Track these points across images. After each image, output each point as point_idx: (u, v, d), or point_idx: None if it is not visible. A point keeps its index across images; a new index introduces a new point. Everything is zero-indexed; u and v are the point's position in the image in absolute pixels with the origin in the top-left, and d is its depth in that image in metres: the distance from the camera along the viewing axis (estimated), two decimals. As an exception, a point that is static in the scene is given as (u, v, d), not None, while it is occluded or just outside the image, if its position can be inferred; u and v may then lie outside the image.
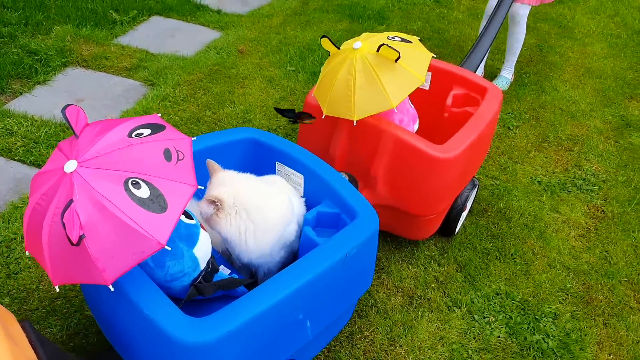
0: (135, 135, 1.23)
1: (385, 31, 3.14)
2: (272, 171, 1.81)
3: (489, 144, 2.31)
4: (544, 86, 3.70)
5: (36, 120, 2.66)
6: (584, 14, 5.00)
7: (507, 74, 3.71)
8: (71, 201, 1.10)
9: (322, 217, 1.63)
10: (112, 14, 3.73)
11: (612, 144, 3.18)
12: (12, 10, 3.48)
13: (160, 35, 3.67)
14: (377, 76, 1.76)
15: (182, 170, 1.21)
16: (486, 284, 2.15)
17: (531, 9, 3.39)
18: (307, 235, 1.58)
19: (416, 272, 2.17)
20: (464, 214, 2.32)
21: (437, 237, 2.32)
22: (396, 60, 1.75)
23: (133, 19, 3.77)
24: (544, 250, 2.36)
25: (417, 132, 2.10)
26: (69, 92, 2.96)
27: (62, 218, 1.10)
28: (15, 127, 2.59)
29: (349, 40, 1.91)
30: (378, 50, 1.76)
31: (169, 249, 1.18)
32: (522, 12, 3.41)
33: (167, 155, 1.21)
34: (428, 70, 2.04)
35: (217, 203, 1.51)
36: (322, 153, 1.90)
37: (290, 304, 1.33)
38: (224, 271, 1.57)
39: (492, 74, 3.75)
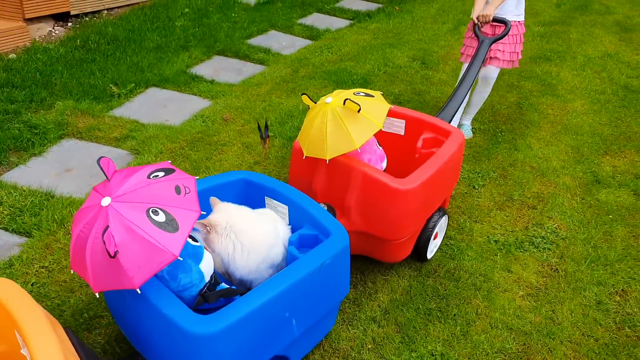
0: (152, 177, 1.62)
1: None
2: (263, 205, 2.22)
3: (455, 177, 2.66)
4: (517, 144, 3.79)
5: (24, 190, 2.93)
6: (570, 71, 5.12)
7: (467, 122, 3.93)
8: (107, 227, 1.48)
9: (304, 238, 2.02)
10: (111, 87, 4.08)
11: (578, 201, 3.23)
12: (20, 89, 3.86)
13: (154, 106, 3.98)
14: (344, 124, 2.18)
15: (189, 201, 1.61)
16: (422, 345, 2.21)
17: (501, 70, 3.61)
18: (290, 253, 1.96)
19: (355, 333, 2.25)
20: (436, 240, 2.66)
21: (380, 298, 2.41)
22: (358, 111, 2.16)
23: (130, 92, 4.11)
24: (488, 310, 2.41)
25: (391, 170, 2.45)
26: (60, 163, 3.24)
27: (102, 237, 1.47)
28: (5, 197, 2.86)
29: (323, 97, 2.32)
30: (344, 104, 2.17)
31: (181, 259, 1.58)
32: (493, 75, 3.64)
33: (177, 190, 1.62)
34: (402, 119, 2.71)
35: (207, 227, 1.90)
36: (307, 188, 2.38)
37: (277, 304, 1.68)
38: (225, 286, 1.89)
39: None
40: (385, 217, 2.23)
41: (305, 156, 2.29)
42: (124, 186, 1.57)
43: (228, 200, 2.04)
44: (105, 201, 1.53)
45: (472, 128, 3.98)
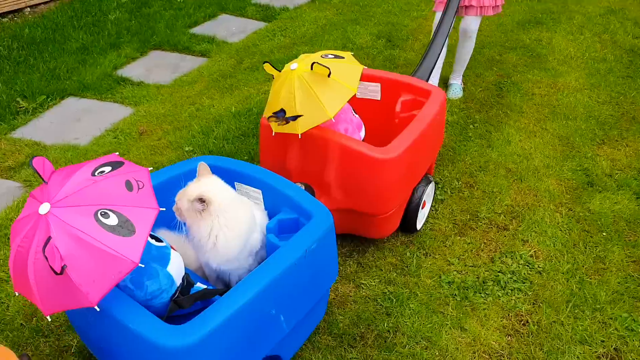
0: (98, 174, 1.40)
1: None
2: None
3: (439, 139, 2.48)
4: (492, 139, 3.12)
5: None
6: (565, 35, 4.35)
7: (457, 81, 3.58)
8: (49, 238, 1.27)
9: (283, 223, 1.81)
10: (18, 102, 3.51)
11: (563, 214, 2.57)
12: None
13: (66, 121, 3.41)
14: (314, 92, 1.96)
15: (144, 197, 1.40)
16: None
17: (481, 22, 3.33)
18: (270, 241, 1.77)
19: None
20: (424, 210, 2.46)
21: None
22: (329, 76, 1.94)
23: (41, 105, 3.53)
24: (427, 395, 1.82)
25: (371, 139, 2.28)
26: None
27: (44, 252, 1.28)
28: None
29: (287, 63, 2.07)
30: (311, 69, 1.94)
31: (143, 266, 1.35)
32: (473, 27, 3.30)
33: (129, 186, 1.40)
34: (377, 82, 2.50)
35: (204, 202, 1.66)
36: (280, 168, 2.17)
37: (260, 302, 1.48)
38: (202, 286, 1.70)
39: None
40: (368, 191, 2.07)
41: (275, 133, 2.06)
42: (64, 188, 1.35)
43: None
44: (44, 208, 1.32)
45: (463, 86, 3.59)
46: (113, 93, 3.68)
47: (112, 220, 1.33)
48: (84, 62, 4.03)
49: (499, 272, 2.26)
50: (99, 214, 1.32)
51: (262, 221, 1.87)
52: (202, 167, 1.78)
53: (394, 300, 2.14)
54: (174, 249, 1.63)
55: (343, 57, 2.11)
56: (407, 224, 2.36)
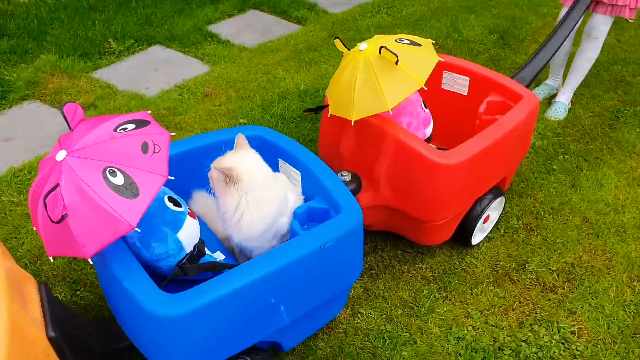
0: (120, 130, 1.39)
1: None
2: (276, 166, 1.90)
3: (521, 151, 2.24)
4: (579, 177, 2.62)
5: None
6: None
7: (564, 99, 3.02)
8: (57, 185, 1.29)
9: (313, 212, 1.73)
10: (109, 42, 3.63)
11: (636, 291, 2.08)
12: (9, 38, 3.58)
13: (144, 69, 3.46)
14: (376, 78, 1.82)
15: (156, 162, 1.36)
16: None
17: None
18: (292, 227, 1.70)
19: None
20: (486, 225, 2.24)
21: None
22: (396, 63, 1.78)
23: (127, 49, 3.62)
24: None
25: (444, 136, 2.24)
26: (5, 129, 2.90)
27: (44, 199, 1.30)
28: None
29: (360, 42, 1.95)
30: (380, 52, 1.80)
31: (139, 230, 1.32)
32: (602, 28, 2.77)
33: (145, 148, 1.37)
34: (467, 75, 2.28)
35: (229, 177, 1.61)
36: (334, 152, 2.10)
37: (259, 288, 1.42)
38: (219, 256, 1.71)
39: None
40: (421, 195, 1.91)
41: (330, 115, 1.96)
42: (84, 139, 1.35)
43: None
44: (61, 155, 1.33)
45: (570, 106, 3.05)
46: (197, 48, 3.67)
47: (119, 179, 1.31)
48: (180, 12, 4.05)
49: (523, 341, 1.88)
50: (107, 171, 1.31)
51: (294, 205, 1.77)
52: (241, 139, 1.70)
53: (388, 341, 1.87)
54: (192, 216, 1.61)
55: (419, 45, 1.92)
56: (462, 236, 2.16)
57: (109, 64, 3.48)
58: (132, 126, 1.43)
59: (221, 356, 1.47)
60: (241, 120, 2.95)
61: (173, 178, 1.41)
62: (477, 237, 2.22)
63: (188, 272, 1.57)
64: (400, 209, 1.99)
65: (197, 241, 1.62)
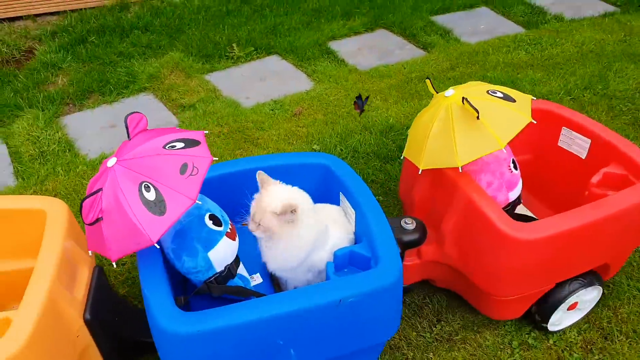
0: (168, 147, 1.46)
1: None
2: (329, 198, 1.88)
3: (632, 239, 1.90)
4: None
5: (59, 137, 2.99)
6: None
7: None
8: (100, 190, 1.39)
9: (355, 257, 1.65)
10: (233, 47, 3.80)
11: None
12: (150, 33, 3.93)
13: (253, 78, 3.55)
14: (453, 129, 1.69)
15: (190, 184, 1.40)
16: None
17: None
18: (326, 269, 1.65)
19: None
20: (571, 313, 1.95)
21: None
22: (477, 118, 1.65)
23: (246, 56, 3.76)
24: None
25: (541, 198, 2.15)
26: (114, 117, 3.20)
27: (82, 202, 1.41)
28: (40, 139, 2.97)
29: (449, 88, 1.85)
30: (463, 103, 1.69)
31: (158, 247, 1.41)
32: None
33: (183, 169, 1.41)
34: (588, 137, 2.02)
35: (294, 212, 1.59)
36: (408, 194, 2.03)
37: (267, 328, 1.41)
38: (256, 280, 1.77)
39: None
40: (486, 265, 1.74)
41: (403, 156, 1.90)
42: (135, 150, 1.43)
43: (299, 185, 1.73)
44: (111, 161, 1.43)
45: None
46: (311, 63, 3.66)
47: (151, 195, 1.37)
48: (307, 24, 4.08)
49: None
50: (143, 185, 1.38)
51: (340, 242, 1.71)
52: (262, 176, 1.64)
53: None
54: (230, 237, 1.61)
55: (514, 101, 1.73)
56: (538, 317, 1.91)
57: (224, 68, 3.64)
58: (182, 145, 1.47)
59: None
60: (314, 147, 2.86)
61: (200, 203, 1.46)
62: (557, 325, 1.95)
63: (212, 291, 1.59)
64: (463, 272, 1.82)
65: (229, 262, 1.62)
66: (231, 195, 1.81)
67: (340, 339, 1.54)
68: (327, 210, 1.79)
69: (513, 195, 1.88)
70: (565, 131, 2.09)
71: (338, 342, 1.54)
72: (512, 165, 1.88)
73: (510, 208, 1.90)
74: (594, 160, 2.01)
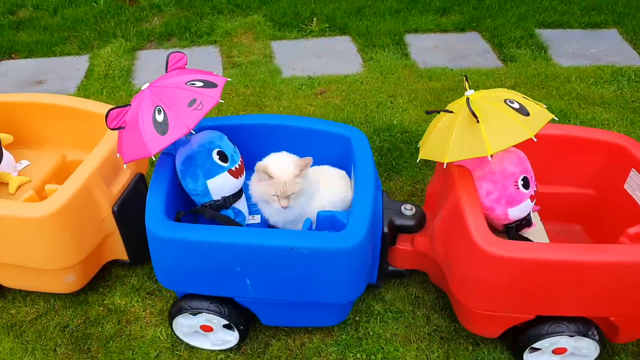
0: (189, 84, 1.67)
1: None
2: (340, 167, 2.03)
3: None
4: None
5: (125, 62, 3.47)
6: None
7: None
8: (129, 105, 1.68)
9: (335, 222, 1.76)
10: (313, 21, 3.87)
11: None
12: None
13: (312, 53, 3.58)
14: (454, 126, 1.69)
15: (192, 116, 1.60)
16: None
17: None
18: (305, 222, 1.80)
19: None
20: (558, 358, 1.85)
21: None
22: (477, 122, 1.65)
23: (320, 31, 3.80)
24: None
25: (598, 234, 2.07)
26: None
27: (110, 110, 1.66)
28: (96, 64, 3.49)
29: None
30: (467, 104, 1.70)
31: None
32: None
33: (192, 102, 1.62)
34: None
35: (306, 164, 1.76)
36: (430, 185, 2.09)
37: (225, 252, 1.64)
38: (254, 219, 1.99)
39: None
40: (457, 269, 1.74)
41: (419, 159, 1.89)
42: (164, 81, 1.69)
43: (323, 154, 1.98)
44: (144, 86, 1.69)
45: None
46: (373, 50, 3.57)
47: (160, 117, 1.60)
48: (396, 12, 3.94)
49: None
50: (156, 109, 1.61)
51: (330, 203, 1.86)
52: (258, 166, 1.77)
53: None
54: (232, 175, 1.81)
55: (527, 115, 1.64)
56: (514, 346, 1.86)
57: (293, 39, 3.77)
58: (201, 84, 1.67)
59: (193, 288, 1.77)
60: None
61: (194, 133, 1.75)
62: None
63: (204, 213, 1.82)
64: (445, 273, 1.81)
65: (227, 195, 1.83)
66: (254, 143, 2.02)
67: (294, 286, 1.68)
68: (327, 170, 1.94)
69: (514, 212, 1.79)
70: (634, 174, 1.89)
71: (291, 288, 1.69)
72: (521, 182, 1.78)
73: (514, 226, 1.84)
74: None
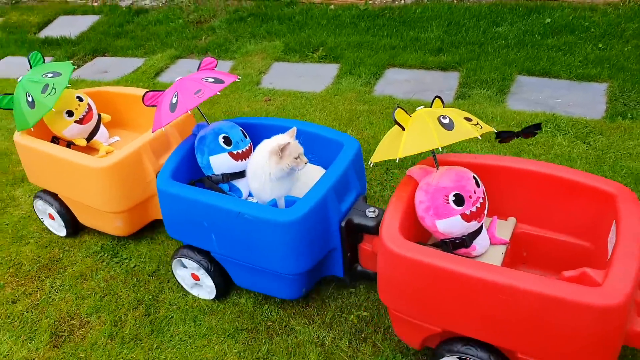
0: (204, 79, 2.15)
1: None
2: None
3: (551, 344, 1.56)
4: None
5: (164, 66, 4.43)
6: None
7: None
8: (162, 91, 2.24)
9: (288, 202, 2.15)
10: (318, 50, 4.34)
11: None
12: (276, 22, 4.77)
13: (294, 73, 4.09)
14: (390, 133, 1.89)
15: (193, 101, 2.08)
16: None
17: None
18: (272, 200, 2.14)
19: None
20: None
21: None
22: (403, 130, 1.79)
23: (319, 58, 4.25)
24: None
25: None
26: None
27: (146, 92, 2.25)
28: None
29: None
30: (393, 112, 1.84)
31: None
32: None
33: (197, 92, 2.10)
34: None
35: (284, 149, 2.05)
36: None
37: (193, 208, 2.08)
38: (252, 200, 2.29)
39: None
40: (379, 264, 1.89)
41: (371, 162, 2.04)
42: (190, 76, 2.17)
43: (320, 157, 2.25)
44: (178, 78, 2.20)
45: None
46: (347, 78, 3.89)
47: (174, 99, 2.11)
48: (391, 48, 4.14)
49: None
50: (174, 94, 2.12)
51: (305, 179, 2.17)
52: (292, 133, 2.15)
53: None
54: (233, 157, 2.22)
55: (451, 129, 1.72)
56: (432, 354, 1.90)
57: (290, 61, 4.31)
58: (212, 80, 2.14)
59: (183, 238, 2.23)
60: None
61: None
62: None
63: (205, 183, 2.27)
64: None
65: (226, 172, 2.25)
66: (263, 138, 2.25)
67: (246, 249, 2.03)
68: (311, 167, 2.19)
69: (442, 225, 1.84)
70: (614, 226, 1.70)
71: (244, 251, 2.04)
72: (452, 197, 1.81)
73: (449, 243, 1.88)
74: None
